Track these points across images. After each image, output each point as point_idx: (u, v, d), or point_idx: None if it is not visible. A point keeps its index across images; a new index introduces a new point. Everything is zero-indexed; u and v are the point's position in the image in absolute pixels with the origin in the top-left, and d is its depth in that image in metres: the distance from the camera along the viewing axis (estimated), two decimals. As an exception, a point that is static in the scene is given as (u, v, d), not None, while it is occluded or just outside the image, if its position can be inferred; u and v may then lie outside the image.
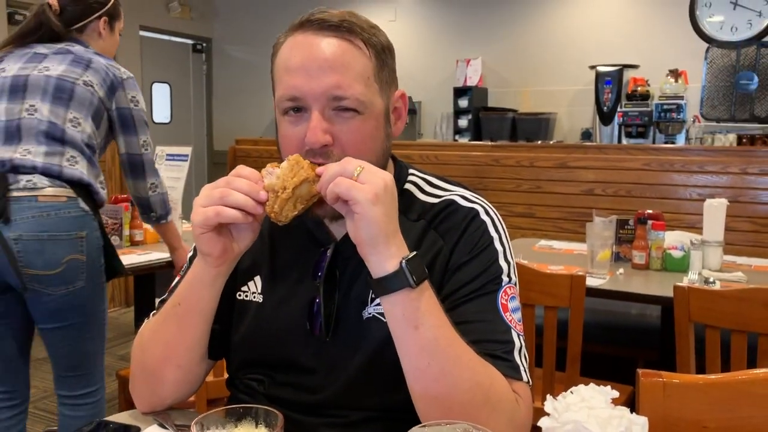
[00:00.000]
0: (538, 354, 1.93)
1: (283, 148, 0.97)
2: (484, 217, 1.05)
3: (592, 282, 2.28)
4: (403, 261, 0.85)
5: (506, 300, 1.01)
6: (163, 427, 1.01)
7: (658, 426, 1.07)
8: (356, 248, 0.87)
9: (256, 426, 0.76)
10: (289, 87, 0.93)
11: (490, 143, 3.65)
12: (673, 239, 2.45)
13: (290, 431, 0.91)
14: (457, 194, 1.06)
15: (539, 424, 0.51)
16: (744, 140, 4.74)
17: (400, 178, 1.07)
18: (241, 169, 0.89)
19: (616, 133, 5.45)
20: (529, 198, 3.53)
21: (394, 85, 1.03)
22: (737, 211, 3.13)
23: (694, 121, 5.25)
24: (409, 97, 7.00)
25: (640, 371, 1.09)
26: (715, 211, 2.37)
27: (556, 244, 2.88)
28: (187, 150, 2.96)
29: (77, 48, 1.99)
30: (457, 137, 6.17)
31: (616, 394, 0.54)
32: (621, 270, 2.41)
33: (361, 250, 0.86)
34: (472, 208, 1.05)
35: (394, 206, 0.87)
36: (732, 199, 3.16)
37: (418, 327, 0.86)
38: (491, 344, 0.94)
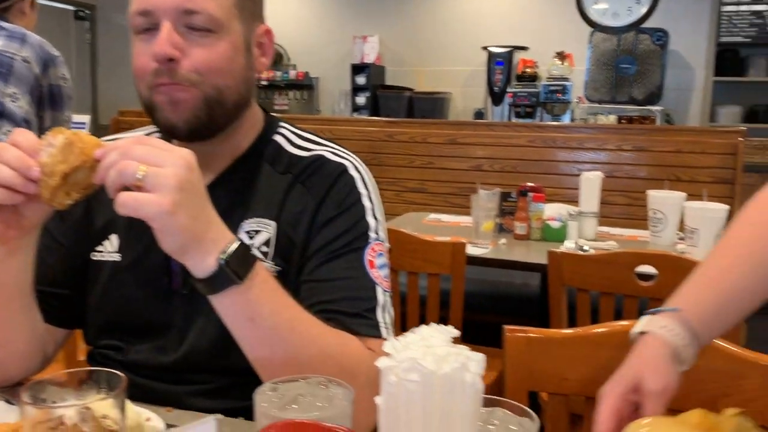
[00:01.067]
0: (422, 322, 1.95)
1: (135, 72, 0.92)
2: (352, 172, 1.04)
3: (475, 251, 2.34)
4: (222, 260, 0.76)
5: (373, 256, 1.00)
6: (10, 403, 0.93)
7: (523, 379, 1.10)
8: None
9: (99, 390, 0.71)
10: (141, 1, 0.89)
11: (384, 119, 3.65)
12: (552, 211, 2.55)
13: (151, 400, 0.87)
14: (326, 149, 1.04)
15: (377, 363, 0.50)
16: (623, 121, 5.02)
17: (270, 128, 1.05)
18: (18, 135, 0.76)
19: (506, 113, 5.62)
20: (421, 173, 3.57)
21: (260, 20, 1.00)
22: (613, 185, 3.31)
23: (578, 102, 5.50)
24: (306, 73, 6.84)
25: (506, 327, 1.12)
26: (591, 184, 2.48)
27: (445, 218, 2.94)
28: (85, 118, 2.93)
29: (7, 24, 2.03)
30: (355, 114, 6.16)
31: (456, 333, 0.54)
32: (503, 240, 2.49)
33: (174, 257, 0.77)
34: (341, 164, 1.04)
35: (201, 193, 0.76)
36: (608, 174, 3.33)
37: (253, 319, 0.81)
38: (355, 302, 0.93)
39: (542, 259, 2.01)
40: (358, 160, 1.08)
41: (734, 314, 0.87)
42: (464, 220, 2.82)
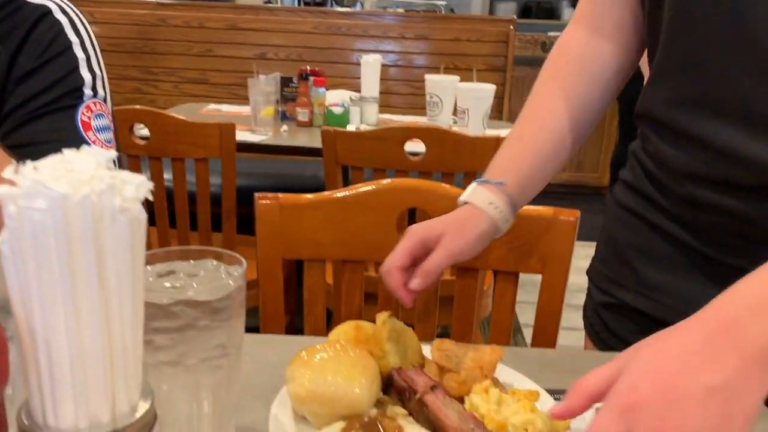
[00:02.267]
0: (193, 220, 1.82)
1: None
2: (58, 15, 0.86)
3: (254, 138, 2.22)
4: None
5: (89, 117, 0.85)
6: None
7: (276, 247, 1.04)
8: None
9: None
10: None
11: (154, 0, 3.27)
12: (335, 97, 2.49)
13: None
14: None
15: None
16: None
17: None
18: None
19: (296, 3, 5.39)
20: (201, 62, 3.31)
21: None
22: (396, 74, 3.34)
23: (368, -4, 5.42)
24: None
25: (257, 195, 1.03)
26: (371, 67, 2.45)
27: (225, 107, 2.76)
28: None
29: None
30: None
31: (114, 154, 0.43)
32: (285, 128, 2.40)
33: None
34: (42, 5, 0.85)
35: None
36: (393, 63, 3.35)
37: None
38: None
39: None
40: (69, 2, 0.89)
41: (545, 178, 0.89)
42: (246, 110, 2.67)
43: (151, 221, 1.87)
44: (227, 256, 0.59)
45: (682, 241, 0.79)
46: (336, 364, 0.63)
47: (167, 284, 0.56)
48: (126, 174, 0.43)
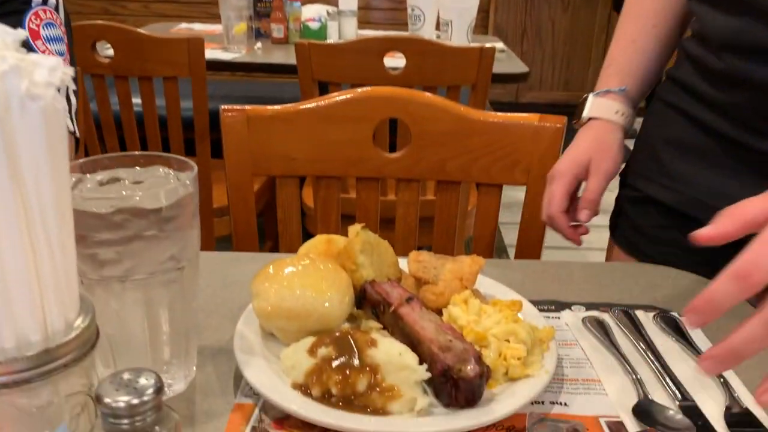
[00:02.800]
0: (165, 147, 1.74)
1: None
2: None
3: (226, 56, 2.12)
4: None
5: (38, 25, 0.78)
6: None
7: (245, 162, 0.98)
8: None
9: None
10: None
11: None
12: (311, 12, 2.37)
13: None
14: None
15: None
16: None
17: None
18: None
19: None
20: (170, -20, 3.14)
21: None
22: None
23: None
24: None
25: (222, 107, 0.97)
26: (348, -21, 2.31)
27: (197, 26, 2.63)
28: None
29: None
30: None
31: (24, 34, 0.36)
32: (259, 44, 2.29)
33: None
34: None
35: None
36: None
37: None
38: None
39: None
40: None
41: (658, 75, 0.90)
42: (220, 28, 2.54)
43: (122, 147, 1.79)
44: (177, 161, 0.53)
45: (716, 128, 0.80)
46: (304, 278, 0.58)
47: (111, 193, 0.51)
48: (38, 56, 0.37)
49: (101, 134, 1.77)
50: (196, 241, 0.54)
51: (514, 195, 1.01)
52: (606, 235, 0.98)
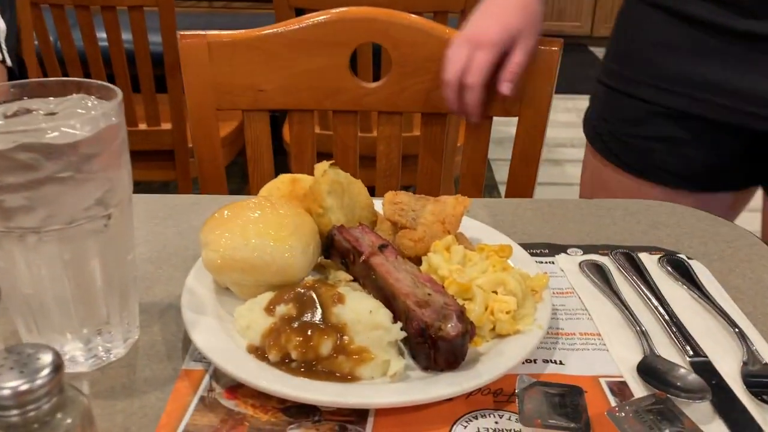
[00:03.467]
0: (135, 84, 1.62)
1: None
2: None
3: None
4: None
5: None
6: None
7: (207, 94, 0.88)
8: None
9: None
10: None
11: None
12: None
13: None
14: None
15: None
16: None
17: None
18: None
19: None
20: None
21: None
22: None
23: None
24: None
25: (180, 33, 0.87)
26: None
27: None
28: None
29: None
30: None
31: None
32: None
33: None
34: None
35: None
36: None
37: None
38: None
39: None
40: None
41: None
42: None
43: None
44: (98, 87, 0.44)
45: (706, 20, 0.76)
46: (261, 224, 0.50)
47: (16, 126, 0.42)
48: None
49: (65, 72, 1.65)
50: (126, 182, 0.45)
51: (506, 130, 0.92)
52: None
